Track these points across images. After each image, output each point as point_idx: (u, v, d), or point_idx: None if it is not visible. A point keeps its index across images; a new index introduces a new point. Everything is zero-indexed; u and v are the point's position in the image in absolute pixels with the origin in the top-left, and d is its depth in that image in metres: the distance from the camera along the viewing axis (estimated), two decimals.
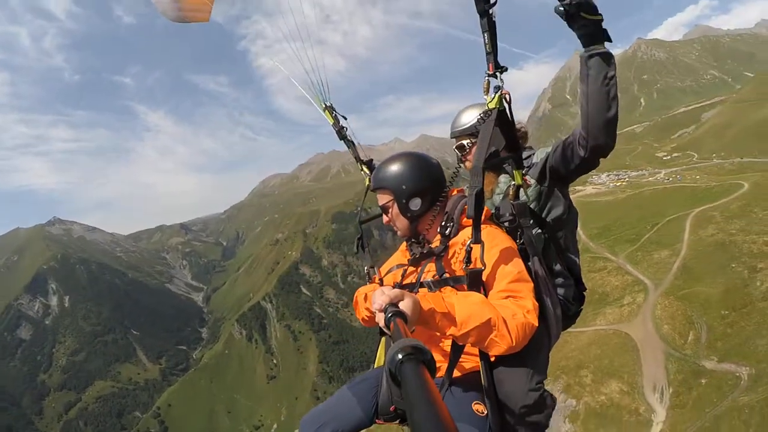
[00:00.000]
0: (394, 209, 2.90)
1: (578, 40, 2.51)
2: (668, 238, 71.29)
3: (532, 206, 3.04)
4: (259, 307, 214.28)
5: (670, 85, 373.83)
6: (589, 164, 2.87)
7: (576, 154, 2.81)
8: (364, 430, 2.84)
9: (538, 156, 3.17)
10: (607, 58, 2.48)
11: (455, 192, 3.00)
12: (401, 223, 2.92)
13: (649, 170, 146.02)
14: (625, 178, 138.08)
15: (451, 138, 3.47)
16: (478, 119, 2.82)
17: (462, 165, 3.16)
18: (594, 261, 71.63)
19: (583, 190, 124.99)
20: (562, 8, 2.34)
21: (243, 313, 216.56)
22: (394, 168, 2.88)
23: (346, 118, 4.04)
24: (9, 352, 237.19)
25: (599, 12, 2.37)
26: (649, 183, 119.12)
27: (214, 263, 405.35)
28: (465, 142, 3.41)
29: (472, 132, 3.27)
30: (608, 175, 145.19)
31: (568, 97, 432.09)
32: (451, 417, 0.96)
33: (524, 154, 3.22)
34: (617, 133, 2.65)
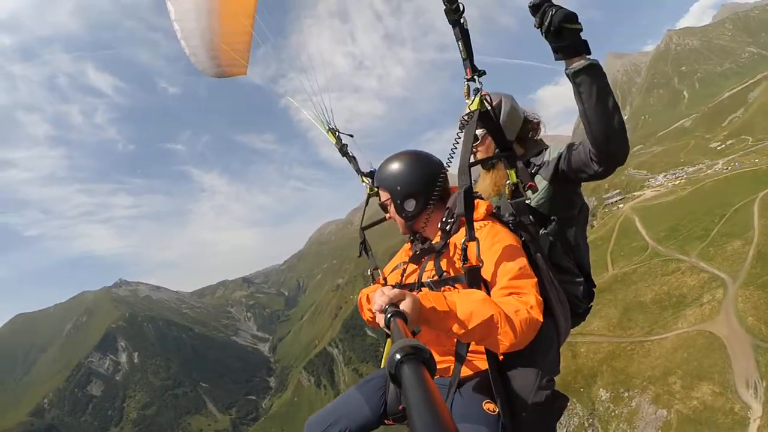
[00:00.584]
0: (392, 208, 3.00)
1: (556, 53, 2.47)
2: (738, 227, 69.37)
3: (542, 205, 3.13)
4: (326, 353, 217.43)
5: (710, 71, 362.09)
6: (603, 176, 2.86)
7: (589, 167, 2.80)
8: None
9: (551, 154, 3.21)
10: (595, 69, 2.41)
11: (456, 190, 3.00)
12: (398, 222, 3.02)
13: (706, 163, 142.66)
14: (682, 176, 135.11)
15: (460, 129, 3.45)
16: (461, 121, 2.84)
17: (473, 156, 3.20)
18: (666, 264, 70.35)
19: (642, 195, 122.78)
20: (546, 25, 2.33)
21: (310, 359, 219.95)
22: (392, 168, 2.96)
23: (352, 136, 4.37)
24: (80, 407, 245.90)
25: (579, 21, 2.33)
26: (708, 176, 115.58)
27: (278, 313, 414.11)
28: (477, 132, 3.45)
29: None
30: (665, 176, 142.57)
31: None
32: (451, 417, 0.95)
33: (535, 150, 3.40)
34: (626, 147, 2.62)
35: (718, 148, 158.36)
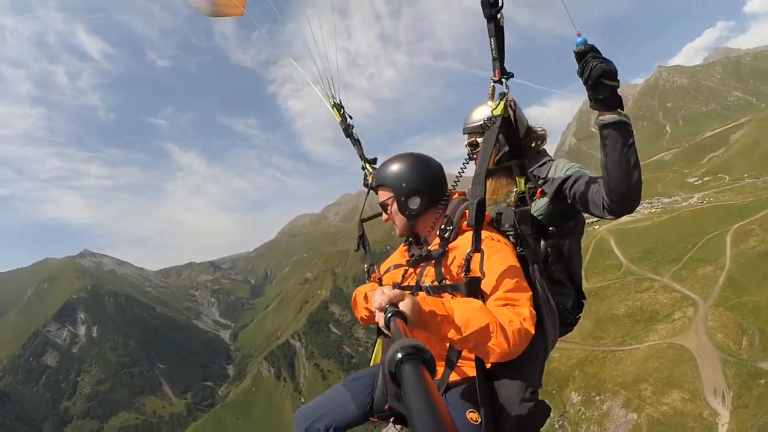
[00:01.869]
0: (393, 207, 2.95)
1: (590, 102, 2.45)
2: (710, 254, 72.14)
3: (539, 218, 3.08)
4: (288, 345, 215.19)
5: (695, 110, 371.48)
6: (610, 219, 2.84)
7: (597, 209, 2.75)
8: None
9: (556, 170, 3.14)
10: (624, 126, 2.42)
11: (457, 195, 3.01)
12: (399, 221, 2.97)
13: (682, 195, 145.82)
14: (658, 205, 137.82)
15: (464, 134, 3.54)
16: (482, 124, 2.88)
17: (469, 162, 3.15)
18: (639, 282, 72.97)
19: (618, 219, 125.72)
20: (585, 77, 2.33)
21: (272, 350, 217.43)
22: (396, 166, 2.94)
23: (351, 117, 4.18)
24: (33, 377, 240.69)
25: (617, 78, 2.34)
26: (683, 207, 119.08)
27: (242, 301, 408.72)
28: (479, 139, 3.35)
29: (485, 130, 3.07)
30: (641, 204, 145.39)
31: (593, 129, 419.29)
32: (451, 417, 0.96)
33: (540, 161, 3.31)
34: (639, 182, 2.57)
35: (695, 183, 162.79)
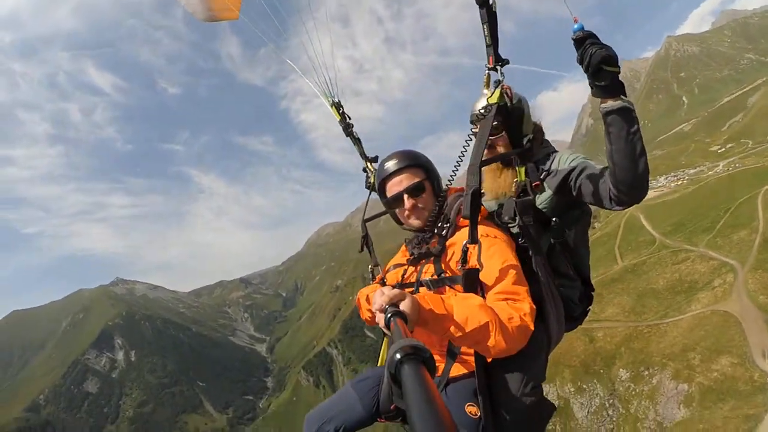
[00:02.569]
0: (428, 188, 2.88)
1: (592, 89, 2.38)
2: (743, 219, 71.83)
3: (543, 210, 2.99)
4: (325, 353, 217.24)
5: (709, 77, 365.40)
6: (618, 209, 2.76)
7: (604, 201, 2.66)
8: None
9: (560, 162, 3.07)
10: (628, 113, 2.36)
11: (453, 192, 2.99)
12: (430, 206, 2.88)
13: (706, 165, 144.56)
14: (684, 177, 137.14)
15: (471, 123, 3.37)
16: (477, 114, 2.81)
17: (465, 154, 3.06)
18: (675, 254, 72.66)
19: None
20: (585, 64, 2.29)
21: (309, 359, 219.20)
22: (409, 151, 2.93)
23: (350, 117, 4.12)
24: (75, 404, 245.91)
25: (617, 64, 2.30)
26: (710, 177, 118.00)
27: (275, 314, 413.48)
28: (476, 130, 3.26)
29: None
30: (666, 178, 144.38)
31: None
32: (451, 417, 0.96)
33: (541, 153, 3.23)
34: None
35: (719, 151, 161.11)
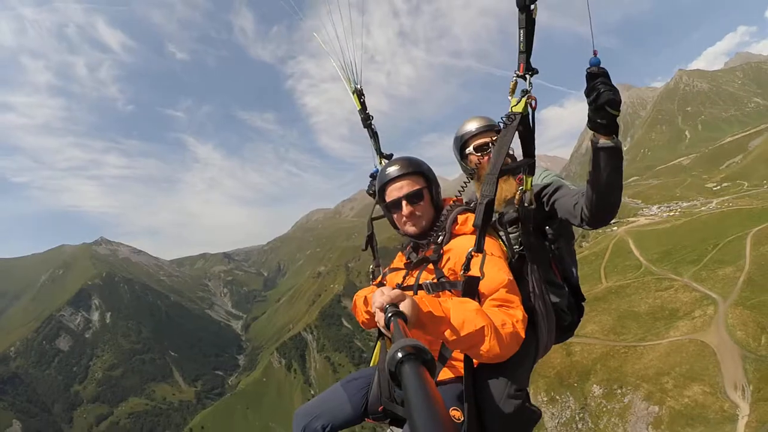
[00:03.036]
0: (427, 196, 2.91)
1: (589, 122, 2.44)
2: (731, 256, 72.93)
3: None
4: (300, 337, 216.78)
5: (715, 115, 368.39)
6: (586, 228, 2.88)
7: (576, 219, 2.80)
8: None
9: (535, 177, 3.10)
10: (617, 152, 2.45)
11: (449, 201, 3.03)
12: (429, 214, 2.91)
13: (700, 200, 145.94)
14: (676, 209, 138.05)
15: (459, 149, 3.56)
16: (501, 121, 2.77)
17: (470, 180, 3.34)
18: (660, 281, 73.78)
19: (636, 221, 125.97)
20: (592, 102, 2.33)
21: (283, 342, 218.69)
22: (411, 158, 2.98)
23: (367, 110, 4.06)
24: (46, 360, 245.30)
25: (619, 108, 2.36)
26: (702, 212, 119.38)
27: (254, 293, 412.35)
28: (484, 140, 3.42)
29: (498, 130, 2.78)
30: (659, 207, 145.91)
31: None
32: (450, 417, 1.04)
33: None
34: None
35: (714, 188, 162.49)
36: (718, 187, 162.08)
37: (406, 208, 2.83)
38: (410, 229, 2.89)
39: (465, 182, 3.37)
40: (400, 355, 1.20)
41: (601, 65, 2.34)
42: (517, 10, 2.44)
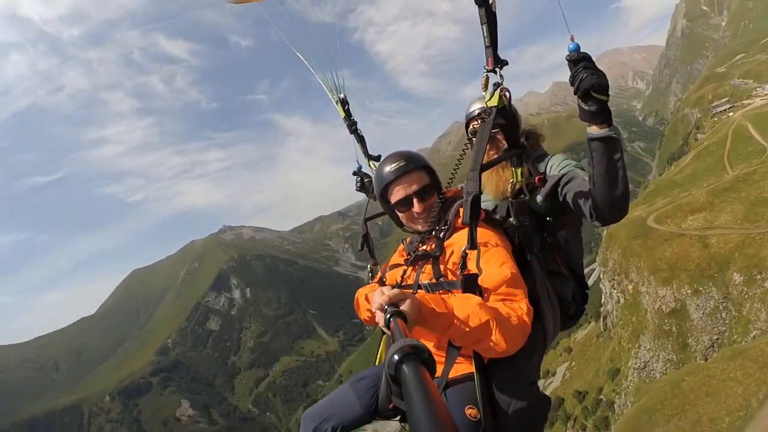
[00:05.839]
0: (434, 191, 2.85)
1: (580, 112, 2.38)
2: None
3: (536, 210, 3.03)
4: None
5: None
6: (598, 225, 2.82)
7: (588, 216, 2.74)
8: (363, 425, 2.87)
9: (551, 167, 3.09)
10: (612, 141, 2.37)
11: (451, 193, 2.95)
12: (434, 209, 2.81)
13: None
14: None
15: (466, 126, 3.50)
16: (477, 115, 2.83)
17: (466, 154, 3.03)
18: None
19: (752, 103, 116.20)
20: (574, 88, 2.26)
21: None
22: (413, 152, 2.89)
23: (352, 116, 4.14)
24: (201, 342, 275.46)
25: (607, 92, 2.28)
26: None
27: (374, 242, 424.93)
28: (476, 125, 3.34)
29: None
30: None
31: (705, 8, 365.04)
32: (451, 417, 0.95)
33: (533, 155, 3.24)
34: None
35: None
36: None
37: (418, 206, 2.78)
38: (422, 226, 2.83)
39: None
40: (397, 356, 1.19)
41: (581, 50, 2.29)
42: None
